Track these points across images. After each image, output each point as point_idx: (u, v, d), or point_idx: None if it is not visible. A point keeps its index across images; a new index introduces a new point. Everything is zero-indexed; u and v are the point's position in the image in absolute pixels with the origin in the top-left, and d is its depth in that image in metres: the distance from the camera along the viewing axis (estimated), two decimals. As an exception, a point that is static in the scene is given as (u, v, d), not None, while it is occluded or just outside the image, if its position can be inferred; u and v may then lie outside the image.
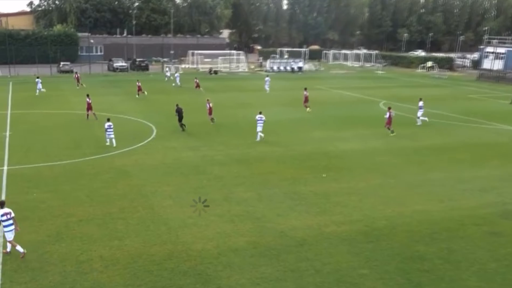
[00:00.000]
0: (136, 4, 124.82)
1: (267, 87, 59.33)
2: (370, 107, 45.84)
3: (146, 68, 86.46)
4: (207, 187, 23.39)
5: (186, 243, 17.30)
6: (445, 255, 16.81)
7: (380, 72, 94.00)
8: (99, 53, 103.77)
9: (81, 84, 59.40)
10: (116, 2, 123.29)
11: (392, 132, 35.34)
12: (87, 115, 39.22)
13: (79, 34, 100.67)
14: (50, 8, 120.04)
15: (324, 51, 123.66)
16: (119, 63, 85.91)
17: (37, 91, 53.31)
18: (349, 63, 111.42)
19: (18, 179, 23.90)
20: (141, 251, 16.63)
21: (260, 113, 33.81)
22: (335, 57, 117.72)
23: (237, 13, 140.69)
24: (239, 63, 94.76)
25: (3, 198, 21.17)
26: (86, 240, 17.38)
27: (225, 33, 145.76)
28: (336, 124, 39.20)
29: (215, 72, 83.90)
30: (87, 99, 39.48)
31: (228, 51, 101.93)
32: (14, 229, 16.24)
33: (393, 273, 15.57)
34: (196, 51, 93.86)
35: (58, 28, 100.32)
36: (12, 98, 50.65)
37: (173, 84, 63.91)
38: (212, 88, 62.37)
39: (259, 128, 33.12)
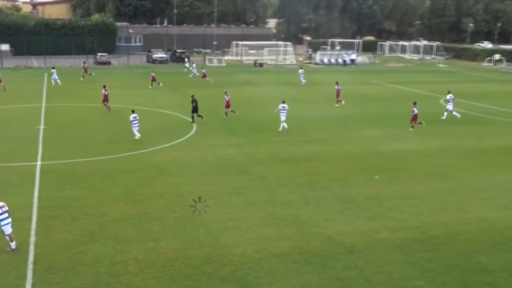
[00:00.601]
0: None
1: (302, 80, 60.19)
2: (430, 104, 44.92)
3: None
4: (249, 187, 23.46)
5: (226, 246, 17.39)
6: (510, 268, 16.30)
7: (441, 65, 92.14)
8: (138, 44, 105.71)
9: (89, 74, 62.13)
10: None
11: (413, 127, 35.93)
12: (107, 106, 41.20)
13: (118, 24, 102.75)
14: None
15: (380, 43, 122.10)
16: (159, 54, 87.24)
17: (53, 81, 55.67)
18: (407, 56, 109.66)
19: (52, 175, 24.57)
20: (177, 254, 16.82)
21: (283, 102, 35.11)
22: (392, 49, 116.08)
23: (285, 1, 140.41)
24: (286, 55, 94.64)
25: (35, 194, 21.89)
26: (121, 240, 17.71)
27: (272, 22, 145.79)
28: (392, 122, 38.60)
29: (260, 65, 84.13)
30: (103, 91, 41.31)
31: (274, 42, 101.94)
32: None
33: (452, 285, 15.20)
34: (240, 42, 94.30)
35: (95, 17, 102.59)
36: (47, 90, 52.19)
37: (190, 75, 65.17)
38: (256, 81, 62.62)
39: (282, 118, 34.52)
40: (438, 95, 52.77)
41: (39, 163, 26.63)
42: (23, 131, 33.89)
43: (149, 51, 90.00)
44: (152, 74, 56.65)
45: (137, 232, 18.42)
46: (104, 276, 15.42)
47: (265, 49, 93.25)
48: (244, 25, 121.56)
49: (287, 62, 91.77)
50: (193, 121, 36.73)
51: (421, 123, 36.04)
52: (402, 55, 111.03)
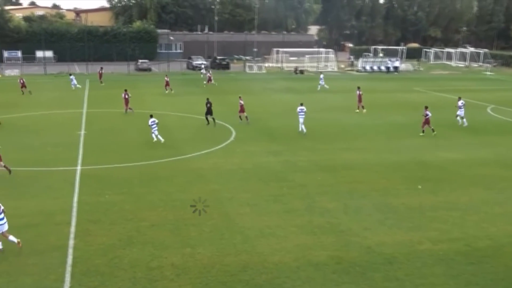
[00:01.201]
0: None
1: (324, 84, 61.81)
2: (477, 112, 44.08)
3: (227, 66, 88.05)
4: (288, 195, 23.44)
5: (263, 254, 17.40)
6: (561, 283, 15.82)
7: (488, 73, 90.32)
8: (178, 51, 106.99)
9: (101, 82, 63.84)
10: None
11: (423, 132, 36.42)
12: (126, 110, 43.32)
13: (159, 31, 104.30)
14: (130, 4, 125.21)
15: (424, 50, 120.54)
16: (199, 61, 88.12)
17: (73, 86, 58.13)
18: (452, 63, 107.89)
19: (91, 180, 25.07)
20: (214, 260, 16.91)
21: (301, 104, 36.58)
22: (437, 56, 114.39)
23: (327, 7, 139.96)
24: (327, 62, 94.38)
25: (75, 199, 22.35)
26: (158, 246, 17.91)
27: (313, 29, 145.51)
28: (436, 131, 37.95)
29: (301, 72, 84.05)
30: (124, 94, 43.51)
31: (316, 49, 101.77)
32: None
33: (497, 300, 14.85)
34: (281, 49, 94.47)
35: (137, 24, 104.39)
36: (88, 96, 53.33)
37: (205, 82, 65.44)
38: (296, 88, 62.56)
39: (301, 120, 36.22)
40: (485, 103, 51.76)
41: (79, 167, 27.21)
42: (65, 136, 34.69)
43: (189, 58, 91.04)
44: (166, 79, 58.00)
45: (175, 237, 18.61)
46: (141, 281, 15.60)
47: (306, 56, 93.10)
48: (285, 32, 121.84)
49: (329, 69, 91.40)
50: (208, 123, 38.38)
51: (426, 130, 36.36)
52: (447, 63, 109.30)
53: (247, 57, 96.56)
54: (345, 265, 16.71)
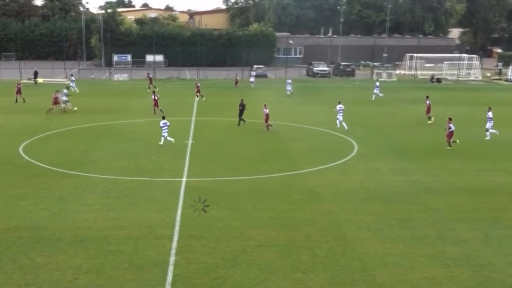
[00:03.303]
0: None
1: (378, 93, 60.93)
2: None
3: (351, 73, 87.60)
4: (417, 220, 22.77)
5: (384, 285, 16.98)
6: None
7: None
8: (297, 56, 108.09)
9: (148, 88, 65.66)
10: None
11: (450, 145, 35.80)
12: (154, 110, 47.10)
13: (277, 34, 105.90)
14: (248, 5, 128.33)
15: None
16: (320, 67, 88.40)
17: (76, 89, 63.15)
18: None
19: (196, 193, 25.66)
20: (327, 288, 16.74)
21: (339, 103, 41.55)
22: None
23: (472, 8, 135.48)
24: (471, 69, 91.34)
25: (179, 212, 23.04)
26: (265, 268, 17.99)
27: (455, 32, 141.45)
28: None
29: (438, 80, 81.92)
30: (153, 96, 48.24)
31: (457, 55, 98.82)
32: None
33: None
34: (415, 54, 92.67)
35: (254, 27, 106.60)
36: (197, 103, 55.10)
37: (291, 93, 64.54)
38: (432, 99, 60.66)
39: (340, 118, 40.97)
40: None
41: (184, 179, 28.10)
42: (171, 145, 35.94)
43: (310, 64, 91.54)
44: (198, 85, 60.34)
45: (284, 260, 18.62)
46: (244, 306, 15.75)
47: (445, 62, 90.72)
48: (421, 36, 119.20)
49: (471, 78, 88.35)
50: (239, 124, 42.49)
51: (455, 141, 35.72)
52: None
53: (376, 63, 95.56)
54: (483, 304, 15.94)
